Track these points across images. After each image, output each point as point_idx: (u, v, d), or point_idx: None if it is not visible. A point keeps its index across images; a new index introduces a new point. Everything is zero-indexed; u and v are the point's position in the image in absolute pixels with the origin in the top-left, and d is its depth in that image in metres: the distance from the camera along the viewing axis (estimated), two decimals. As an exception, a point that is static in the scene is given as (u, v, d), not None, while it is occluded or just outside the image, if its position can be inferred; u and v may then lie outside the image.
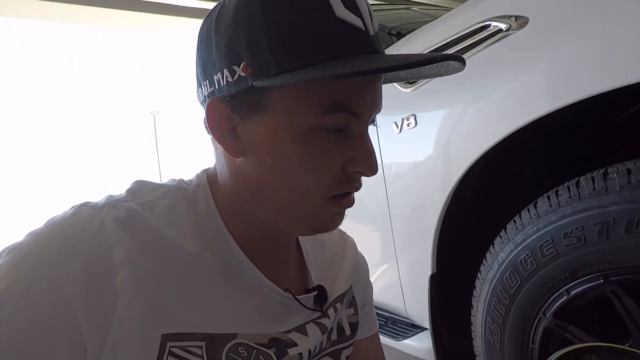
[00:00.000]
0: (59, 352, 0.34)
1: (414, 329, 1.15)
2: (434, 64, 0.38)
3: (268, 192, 0.41)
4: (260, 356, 0.42)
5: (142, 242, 0.38)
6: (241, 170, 0.41)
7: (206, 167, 0.49)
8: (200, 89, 0.43)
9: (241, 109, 0.38)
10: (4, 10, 2.62)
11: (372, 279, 0.67)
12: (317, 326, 0.49)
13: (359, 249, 0.65)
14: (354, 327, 0.57)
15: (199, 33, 0.42)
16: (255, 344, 0.42)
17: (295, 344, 0.45)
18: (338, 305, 0.54)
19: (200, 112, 0.42)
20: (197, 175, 0.47)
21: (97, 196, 0.41)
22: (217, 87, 0.39)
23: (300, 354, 0.46)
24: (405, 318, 1.19)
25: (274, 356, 0.43)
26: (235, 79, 0.37)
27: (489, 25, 0.80)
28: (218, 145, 0.43)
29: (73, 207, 0.40)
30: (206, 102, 0.40)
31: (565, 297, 0.69)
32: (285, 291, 0.47)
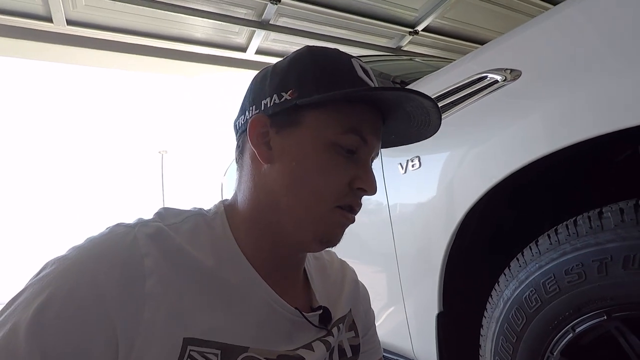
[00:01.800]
0: (96, 348, 0.38)
1: (421, 370, 1.13)
2: (417, 126, 0.54)
3: (286, 196, 0.48)
4: None
5: (168, 255, 0.44)
6: (265, 178, 0.50)
7: (223, 199, 0.57)
8: (242, 115, 0.54)
9: (279, 124, 0.49)
10: (25, 53, 2.78)
11: (378, 321, 0.70)
12: (323, 343, 0.54)
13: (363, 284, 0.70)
14: (355, 349, 0.61)
15: (255, 77, 0.55)
16: (265, 358, 0.46)
17: (303, 359, 0.50)
18: (340, 325, 0.59)
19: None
20: (215, 205, 0.55)
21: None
22: (262, 109, 0.50)
23: None
24: None
25: None
26: (281, 101, 0.49)
27: (485, 77, 0.87)
28: (247, 160, 0.52)
29: (109, 227, 0.46)
30: (249, 121, 0.50)
31: (571, 334, 0.71)
32: (294, 309, 0.51)
